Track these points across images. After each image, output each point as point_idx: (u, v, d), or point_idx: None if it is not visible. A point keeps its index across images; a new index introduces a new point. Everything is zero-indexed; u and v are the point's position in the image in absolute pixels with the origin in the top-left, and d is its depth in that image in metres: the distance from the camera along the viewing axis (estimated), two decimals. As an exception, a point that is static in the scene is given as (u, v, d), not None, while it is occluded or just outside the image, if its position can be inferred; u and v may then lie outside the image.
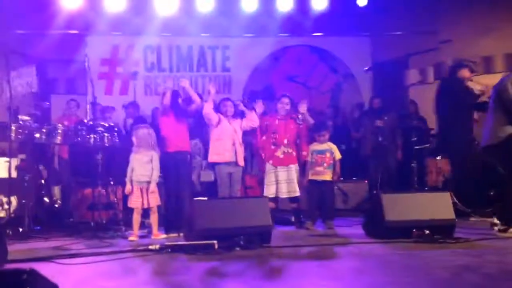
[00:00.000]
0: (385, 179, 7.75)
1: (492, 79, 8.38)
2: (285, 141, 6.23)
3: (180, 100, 5.99)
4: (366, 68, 7.60)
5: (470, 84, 6.48)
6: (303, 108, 6.24)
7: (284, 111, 6.30)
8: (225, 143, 6.05)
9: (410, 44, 9.39)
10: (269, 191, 6.13)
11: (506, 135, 5.08)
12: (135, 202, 5.54)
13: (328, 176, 6.11)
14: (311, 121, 6.32)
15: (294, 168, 6.21)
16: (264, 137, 6.38)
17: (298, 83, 9.78)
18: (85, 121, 6.32)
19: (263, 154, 6.41)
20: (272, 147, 6.24)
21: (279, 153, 6.21)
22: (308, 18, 9.33)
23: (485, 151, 5.36)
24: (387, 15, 9.28)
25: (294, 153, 6.26)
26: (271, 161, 6.20)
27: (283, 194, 6.15)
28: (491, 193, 6.47)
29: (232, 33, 9.33)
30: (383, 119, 7.76)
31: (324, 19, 9.27)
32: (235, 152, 6.06)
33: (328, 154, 6.16)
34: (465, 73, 6.35)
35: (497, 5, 8.46)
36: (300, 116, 6.25)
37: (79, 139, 5.94)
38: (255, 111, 6.29)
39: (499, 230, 4.99)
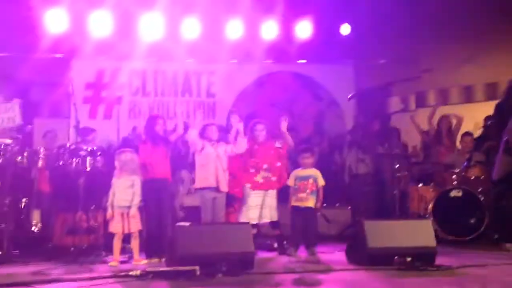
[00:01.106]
0: (375, 207, 7.78)
1: (472, 109, 8.59)
2: (265, 166, 6.25)
3: (158, 128, 5.98)
4: (350, 96, 7.68)
5: None
6: (283, 126, 6.27)
7: (262, 137, 6.33)
8: (209, 169, 6.03)
9: (393, 72, 9.56)
10: (248, 216, 6.12)
11: None
12: (115, 227, 5.49)
13: (311, 203, 6.11)
14: (290, 141, 6.35)
15: (273, 193, 6.22)
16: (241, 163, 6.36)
17: (282, 109, 9.83)
18: (68, 145, 6.26)
19: (245, 180, 6.36)
20: (251, 171, 6.25)
21: (258, 178, 6.22)
22: (292, 45, 9.44)
23: None
24: (370, 43, 9.43)
25: (274, 178, 6.27)
26: (249, 185, 6.20)
27: (262, 219, 6.14)
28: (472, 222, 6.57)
29: (218, 59, 9.40)
30: (384, 146, 7.80)
31: (308, 46, 9.38)
32: (218, 178, 6.03)
33: (311, 181, 6.16)
34: None
35: (478, 36, 8.66)
36: (278, 142, 6.31)
37: (60, 163, 5.90)
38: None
39: None
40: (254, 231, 6.13)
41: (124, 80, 9.20)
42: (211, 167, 6.03)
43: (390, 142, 7.87)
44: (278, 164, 6.37)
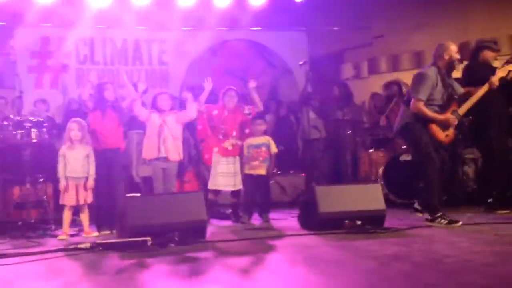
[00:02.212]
0: (329, 172, 7.86)
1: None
2: (234, 133, 6.24)
3: (107, 94, 5.81)
4: (301, 62, 7.66)
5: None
6: (252, 84, 6.29)
7: (233, 103, 6.28)
8: (155, 139, 5.92)
9: (345, 39, 9.60)
10: (216, 182, 6.11)
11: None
12: (68, 199, 5.36)
13: (263, 170, 6.13)
14: (259, 102, 6.34)
15: (239, 160, 6.22)
16: (210, 128, 6.32)
17: (236, 77, 9.76)
18: (11, 116, 6.03)
19: (202, 142, 6.36)
20: (220, 137, 6.21)
21: (227, 145, 6.19)
22: (246, 12, 9.33)
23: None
24: (323, 10, 9.41)
25: (241, 144, 6.26)
26: (218, 152, 6.17)
27: (229, 187, 6.14)
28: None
29: (169, 26, 9.19)
30: (343, 111, 7.84)
31: (261, 14, 9.29)
32: (166, 148, 5.93)
33: (264, 148, 6.16)
34: (487, 54, 6.19)
35: (429, 2, 8.75)
36: (247, 108, 6.29)
37: (4, 134, 5.69)
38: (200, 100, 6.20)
39: (427, 220, 5.15)
40: (213, 197, 6.18)
41: (71, 48, 8.90)
42: (158, 137, 5.92)
43: (348, 108, 7.94)
44: (247, 131, 6.34)
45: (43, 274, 3.69)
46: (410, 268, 3.33)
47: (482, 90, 5.47)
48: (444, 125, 5.33)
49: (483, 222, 5.06)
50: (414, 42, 9.08)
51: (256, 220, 6.10)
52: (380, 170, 7.01)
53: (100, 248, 4.35)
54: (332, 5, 9.30)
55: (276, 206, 7.01)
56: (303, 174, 8.11)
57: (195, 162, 7.26)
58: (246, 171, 6.16)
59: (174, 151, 5.93)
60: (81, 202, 5.38)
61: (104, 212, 5.64)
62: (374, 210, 5.06)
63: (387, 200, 5.60)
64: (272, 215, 6.20)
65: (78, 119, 5.64)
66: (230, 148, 6.19)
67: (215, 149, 6.21)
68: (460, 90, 5.50)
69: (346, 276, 3.23)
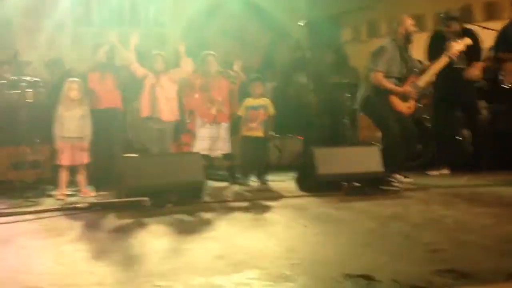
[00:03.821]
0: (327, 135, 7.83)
1: (424, 37, 8.61)
2: (220, 99, 6.17)
3: (103, 54, 5.73)
4: (302, 23, 7.53)
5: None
6: (237, 65, 6.19)
7: (213, 68, 6.20)
8: (150, 98, 5.86)
9: (344, 1, 9.43)
10: (201, 146, 6.07)
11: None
12: (65, 158, 5.32)
13: (261, 132, 6.09)
14: (243, 77, 6.29)
15: (225, 126, 6.17)
16: (197, 95, 6.25)
17: (233, 39, 9.64)
18: (7, 76, 5.94)
19: (196, 111, 6.29)
20: (207, 105, 6.15)
21: (213, 110, 6.13)
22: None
23: None
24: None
25: (226, 111, 6.20)
26: (204, 118, 6.12)
27: (216, 152, 6.11)
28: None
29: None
30: (339, 75, 7.77)
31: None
32: (160, 108, 5.87)
33: (261, 110, 6.11)
34: (455, 26, 6.19)
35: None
36: (232, 74, 6.22)
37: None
38: None
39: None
40: (204, 162, 6.13)
41: (66, 8, 8.72)
42: (152, 97, 5.86)
43: (344, 72, 7.88)
44: (230, 96, 6.29)
45: (41, 232, 3.69)
46: (409, 228, 3.34)
47: (441, 63, 5.52)
48: (404, 97, 5.45)
49: (482, 184, 5.06)
50: (414, 5, 8.93)
51: (254, 182, 6.09)
52: (379, 133, 6.97)
53: (98, 208, 4.34)
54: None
55: (274, 169, 7.00)
56: (300, 138, 8.08)
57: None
58: (244, 133, 6.11)
59: (168, 111, 5.87)
60: (77, 162, 5.35)
61: (102, 172, 5.62)
62: (373, 172, 5.05)
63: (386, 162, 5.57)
64: (269, 177, 6.19)
65: (75, 79, 5.57)
66: (214, 113, 6.11)
67: (203, 118, 6.14)
68: (418, 64, 5.65)
69: (345, 236, 3.24)
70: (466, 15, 8.09)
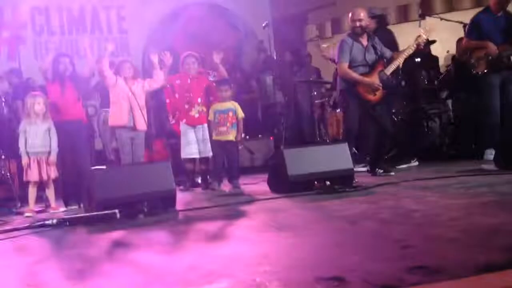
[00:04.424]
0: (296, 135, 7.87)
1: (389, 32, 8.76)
2: (199, 100, 6.13)
3: (62, 67, 5.62)
4: (264, 24, 7.56)
5: None
6: (217, 57, 6.17)
7: (194, 70, 6.17)
8: (122, 106, 5.81)
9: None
10: (189, 151, 6.05)
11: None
12: (32, 174, 5.23)
13: (232, 136, 6.08)
14: (224, 72, 6.26)
15: (206, 127, 6.16)
16: (176, 96, 6.20)
17: (199, 41, 9.59)
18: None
19: (175, 115, 6.24)
20: (186, 106, 6.11)
21: (194, 113, 6.10)
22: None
23: None
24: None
25: (207, 111, 6.18)
26: (185, 121, 6.09)
27: (202, 154, 6.08)
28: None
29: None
30: (297, 74, 7.82)
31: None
32: (134, 116, 5.83)
33: (231, 114, 6.11)
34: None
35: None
36: (212, 74, 6.20)
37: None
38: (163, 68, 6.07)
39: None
40: (191, 166, 6.14)
41: (26, 18, 8.57)
42: (125, 104, 5.81)
43: (304, 70, 7.93)
44: (211, 98, 6.26)
45: (9, 252, 3.61)
46: (379, 225, 3.36)
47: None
48: (370, 87, 5.63)
49: (450, 176, 5.14)
50: (376, 0, 9.03)
51: (226, 186, 6.08)
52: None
53: (67, 224, 4.27)
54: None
55: (245, 171, 7.01)
56: (271, 138, 8.11)
57: (166, 133, 7.15)
58: (214, 137, 6.10)
59: (142, 120, 5.84)
60: (45, 177, 5.26)
61: (70, 186, 5.54)
62: (343, 169, 5.09)
63: (355, 159, 5.63)
64: (242, 180, 6.19)
65: (35, 92, 5.48)
66: (196, 115, 6.10)
67: (184, 121, 6.12)
68: (386, 53, 5.81)
69: (317, 237, 3.24)
70: (426, 7, 8.23)
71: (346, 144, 5.35)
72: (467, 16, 6.97)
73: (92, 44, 8.69)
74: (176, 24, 9.46)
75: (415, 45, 5.71)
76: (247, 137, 7.70)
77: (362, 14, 5.78)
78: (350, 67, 5.70)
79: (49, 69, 5.60)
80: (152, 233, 3.84)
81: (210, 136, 6.14)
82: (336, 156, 5.17)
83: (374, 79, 5.66)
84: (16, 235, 4.11)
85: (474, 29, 6.11)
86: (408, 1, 8.90)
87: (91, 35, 8.91)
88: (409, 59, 7.27)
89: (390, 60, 5.79)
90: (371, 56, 5.77)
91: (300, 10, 9.75)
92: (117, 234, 3.84)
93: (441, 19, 7.20)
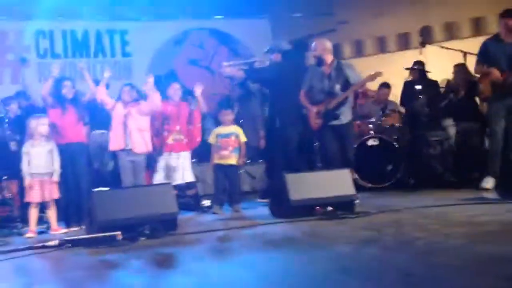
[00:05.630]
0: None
1: (386, 59, 8.85)
2: (177, 128, 6.13)
3: (66, 91, 5.67)
4: (266, 50, 7.63)
5: None
6: (197, 90, 6.13)
7: (177, 96, 6.20)
8: (120, 130, 5.83)
9: (309, 26, 9.59)
10: (157, 177, 6.03)
11: None
12: (34, 195, 5.22)
13: (233, 160, 6.09)
14: (204, 106, 6.25)
15: (185, 155, 6.14)
16: (156, 122, 6.21)
17: (201, 67, 9.68)
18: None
19: (157, 141, 6.22)
20: (165, 133, 6.12)
21: (170, 140, 6.10)
22: (208, 1, 9.26)
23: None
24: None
25: (186, 140, 6.16)
26: (163, 148, 6.10)
27: (176, 181, 6.04)
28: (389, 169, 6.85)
29: (131, 16, 9.05)
30: None
31: (223, 1, 9.23)
32: (132, 139, 5.84)
33: (233, 138, 6.13)
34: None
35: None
36: (193, 104, 6.22)
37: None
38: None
39: None
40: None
41: (30, 41, 8.66)
42: (122, 128, 5.83)
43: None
44: (190, 126, 6.25)
45: (10, 273, 3.59)
46: (382, 252, 3.36)
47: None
48: (318, 114, 5.87)
49: (452, 204, 5.14)
50: (377, 28, 9.16)
51: (227, 211, 6.07)
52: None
53: (69, 245, 4.26)
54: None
55: (246, 195, 7.00)
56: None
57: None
58: (216, 161, 6.12)
59: (141, 143, 5.85)
60: (47, 198, 5.26)
61: (71, 207, 5.53)
62: (344, 195, 5.09)
63: (356, 185, 5.64)
64: (243, 204, 6.18)
65: (38, 115, 5.51)
66: (171, 142, 6.09)
67: (162, 148, 6.12)
68: (353, 80, 5.82)
69: (319, 262, 3.24)
70: (425, 35, 8.33)
71: (348, 170, 5.36)
72: (467, 44, 7.06)
73: (94, 67, 8.82)
74: (177, 49, 9.57)
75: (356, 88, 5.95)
76: (249, 160, 7.70)
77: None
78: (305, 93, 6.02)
79: (51, 92, 5.63)
80: (152, 257, 3.82)
81: (211, 159, 6.14)
82: (339, 182, 5.18)
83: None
84: (17, 256, 4.10)
85: (481, 56, 6.14)
86: (408, 29, 9.02)
87: (95, 59, 9.00)
88: (409, 86, 7.38)
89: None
90: (331, 85, 5.84)
91: (301, 36, 9.84)
92: (118, 257, 3.82)
93: (441, 47, 7.29)
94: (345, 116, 5.88)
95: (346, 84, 5.80)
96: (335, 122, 5.84)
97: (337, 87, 5.80)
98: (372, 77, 5.79)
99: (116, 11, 8.97)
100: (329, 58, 5.96)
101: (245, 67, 7.11)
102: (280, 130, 6.45)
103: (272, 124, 6.67)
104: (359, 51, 9.39)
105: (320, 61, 5.98)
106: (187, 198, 6.42)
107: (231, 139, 6.11)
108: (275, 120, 6.57)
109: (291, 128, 6.42)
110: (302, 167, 6.37)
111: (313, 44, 6.08)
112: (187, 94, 6.59)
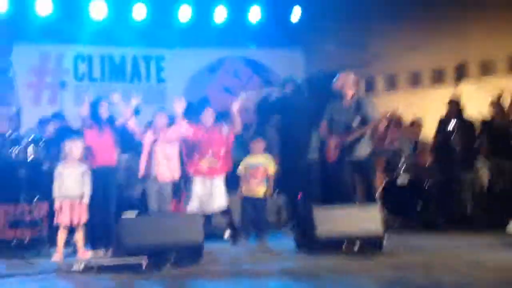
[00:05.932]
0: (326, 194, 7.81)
1: (420, 94, 8.77)
2: (210, 152, 6.10)
3: (102, 111, 5.75)
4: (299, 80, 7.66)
5: None
6: (235, 106, 6.09)
7: (209, 122, 6.19)
8: (148, 158, 5.85)
9: (342, 57, 9.61)
10: (191, 206, 5.97)
11: None
12: (63, 218, 5.27)
13: (261, 192, 6.02)
14: (238, 124, 6.13)
15: (219, 180, 6.11)
16: (188, 149, 6.22)
17: (234, 95, 9.76)
18: (8, 133, 5.98)
19: (189, 167, 6.22)
20: (196, 157, 6.11)
21: (203, 165, 6.06)
22: (243, 30, 9.39)
23: None
24: (320, 29, 9.45)
25: (219, 165, 6.13)
26: (195, 173, 6.07)
27: (210, 209, 6.02)
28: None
29: (167, 43, 9.23)
30: None
31: (258, 32, 9.36)
32: (158, 167, 5.84)
33: (262, 169, 6.07)
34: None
35: (426, 22, 8.79)
36: (226, 127, 6.16)
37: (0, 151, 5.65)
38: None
39: None
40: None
41: (69, 65, 8.90)
42: (150, 155, 5.85)
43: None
44: (223, 150, 6.22)
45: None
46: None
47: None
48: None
49: (481, 245, 5.00)
50: (411, 61, 9.11)
51: (253, 242, 6.00)
52: (378, 192, 6.95)
53: (94, 270, 4.28)
54: (328, 24, 9.33)
55: (273, 226, 6.94)
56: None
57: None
58: (243, 193, 6.06)
59: (166, 171, 5.84)
60: (76, 221, 5.30)
61: (99, 230, 5.56)
62: (373, 232, 5.00)
63: (385, 223, 5.54)
64: (269, 237, 6.10)
65: (73, 136, 5.59)
66: (205, 168, 6.05)
67: (194, 174, 6.10)
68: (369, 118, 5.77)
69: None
70: (461, 71, 8.25)
71: (377, 206, 5.28)
72: (503, 81, 6.95)
73: (131, 92, 8.94)
74: (212, 76, 9.70)
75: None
76: (277, 190, 7.64)
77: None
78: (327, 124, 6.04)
79: (88, 113, 5.68)
80: (177, 285, 3.81)
81: (239, 189, 6.10)
82: (367, 218, 5.09)
83: None
84: (43, 278, 4.14)
85: None
86: (443, 64, 8.93)
87: (130, 83, 9.18)
88: (444, 123, 7.24)
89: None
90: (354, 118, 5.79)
91: (333, 68, 9.85)
92: (142, 284, 3.84)
93: (477, 83, 7.19)
94: (364, 150, 5.79)
95: (365, 120, 5.74)
96: (353, 157, 5.77)
97: (355, 122, 5.74)
98: (385, 116, 5.75)
99: (153, 38, 9.16)
100: (350, 92, 5.92)
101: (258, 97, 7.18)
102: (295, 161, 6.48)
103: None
104: (392, 85, 9.33)
105: (341, 95, 5.96)
106: (221, 225, 6.36)
107: (259, 169, 6.06)
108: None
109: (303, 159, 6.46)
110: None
111: (336, 77, 6.08)
112: (220, 119, 6.60)
